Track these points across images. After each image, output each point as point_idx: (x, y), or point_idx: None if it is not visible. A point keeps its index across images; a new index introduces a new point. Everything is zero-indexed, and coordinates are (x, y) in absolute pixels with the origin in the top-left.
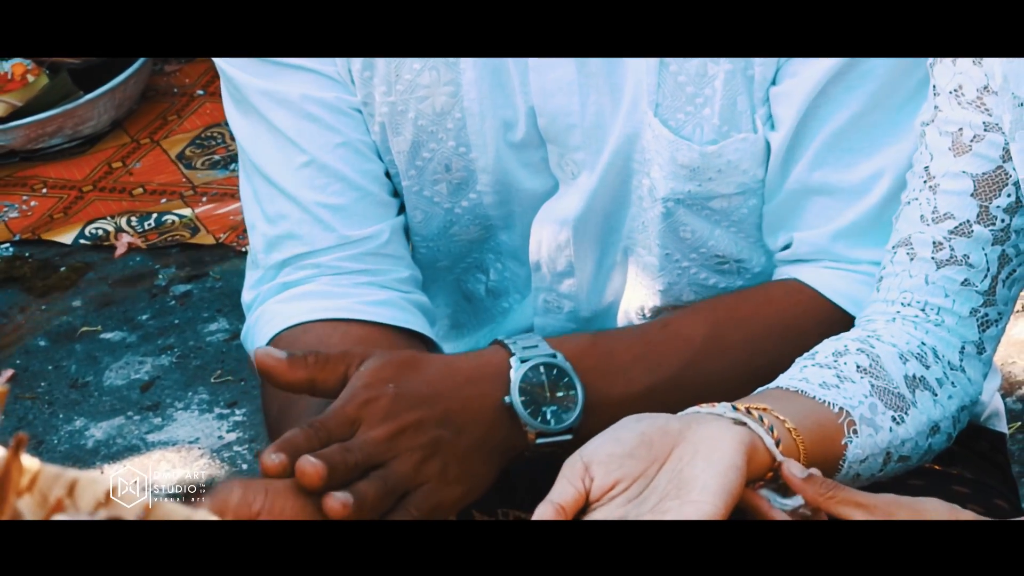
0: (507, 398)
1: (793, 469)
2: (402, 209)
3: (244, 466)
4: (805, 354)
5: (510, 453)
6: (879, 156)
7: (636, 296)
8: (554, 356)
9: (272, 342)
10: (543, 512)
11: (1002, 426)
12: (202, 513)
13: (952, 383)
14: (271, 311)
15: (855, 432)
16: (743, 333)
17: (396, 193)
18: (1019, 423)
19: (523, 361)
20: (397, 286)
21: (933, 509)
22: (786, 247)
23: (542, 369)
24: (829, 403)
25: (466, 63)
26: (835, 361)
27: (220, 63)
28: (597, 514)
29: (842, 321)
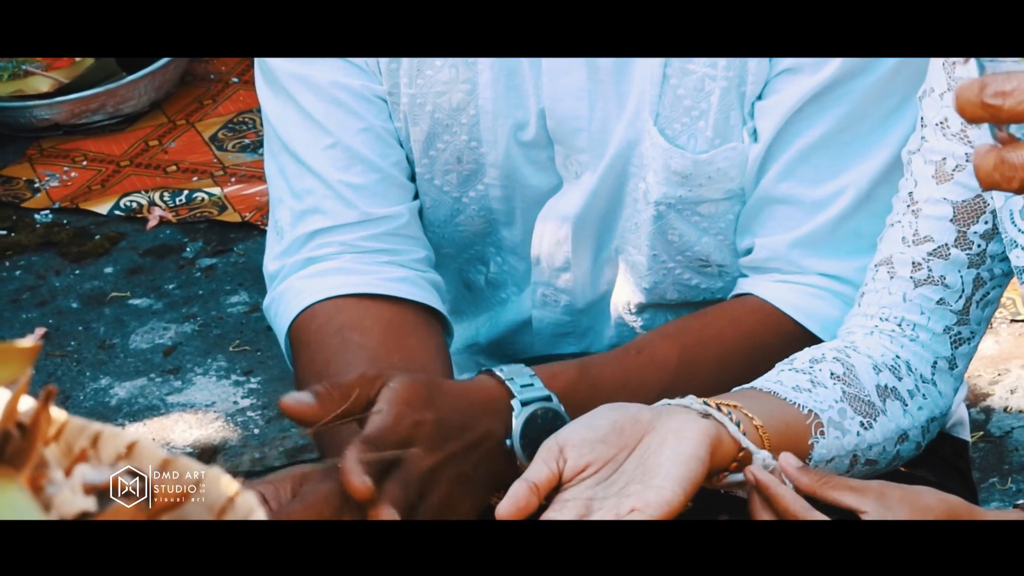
0: (508, 441)
1: (790, 460)
2: (419, 194)
3: (256, 430)
4: (784, 360)
5: (503, 481)
6: (843, 176)
7: (624, 293)
8: (549, 399)
9: (299, 318)
10: (517, 489)
11: (965, 434)
12: (215, 469)
13: (923, 395)
14: (296, 287)
15: (822, 434)
16: (712, 354)
17: (414, 178)
18: (981, 432)
19: (524, 404)
20: (414, 265)
21: (923, 493)
22: (748, 252)
23: (539, 414)
24: (799, 405)
25: (484, 65)
26: (811, 367)
27: None
28: (568, 494)
29: (798, 334)
